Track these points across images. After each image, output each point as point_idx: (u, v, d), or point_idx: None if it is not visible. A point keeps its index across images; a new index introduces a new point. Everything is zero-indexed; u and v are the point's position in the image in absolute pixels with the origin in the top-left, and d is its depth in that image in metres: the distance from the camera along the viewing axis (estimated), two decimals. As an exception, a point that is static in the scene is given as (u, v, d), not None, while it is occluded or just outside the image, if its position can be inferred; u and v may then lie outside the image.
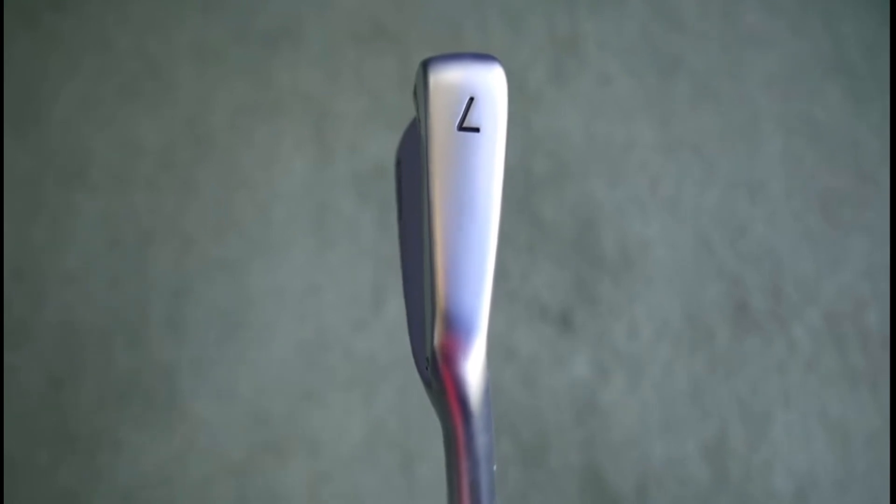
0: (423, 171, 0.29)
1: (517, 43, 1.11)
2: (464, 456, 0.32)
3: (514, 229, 0.97)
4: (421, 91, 0.29)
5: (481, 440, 0.31)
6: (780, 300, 0.94)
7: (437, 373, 0.28)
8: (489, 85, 0.29)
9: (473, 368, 0.29)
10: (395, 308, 0.92)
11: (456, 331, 0.28)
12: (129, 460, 0.85)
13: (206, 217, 0.98)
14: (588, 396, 0.89)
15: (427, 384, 0.30)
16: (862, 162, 1.03)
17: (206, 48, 1.09)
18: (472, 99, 0.29)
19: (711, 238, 0.98)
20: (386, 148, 1.01)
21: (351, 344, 0.91)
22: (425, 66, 0.29)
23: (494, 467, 0.34)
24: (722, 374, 0.90)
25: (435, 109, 0.29)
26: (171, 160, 1.01)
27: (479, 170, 0.29)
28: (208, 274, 0.94)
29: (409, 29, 1.10)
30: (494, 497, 0.34)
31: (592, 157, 1.02)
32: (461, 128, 0.29)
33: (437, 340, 0.28)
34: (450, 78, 0.29)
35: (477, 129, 0.29)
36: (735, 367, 0.91)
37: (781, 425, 0.88)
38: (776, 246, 0.98)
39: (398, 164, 0.34)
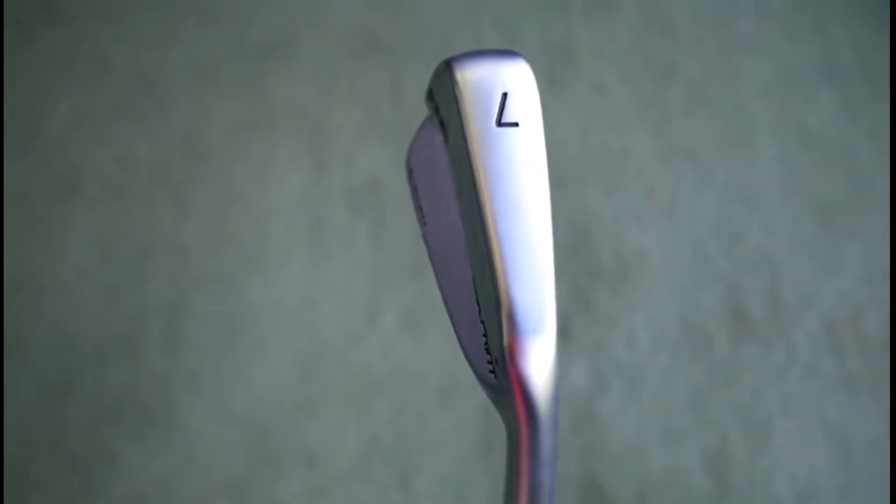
0: (463, 171, 0.29)
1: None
2: (528, 457, 0.31)
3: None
4: (448, 91, 0.29)
5: (548, 441, 0.31)
6: (778, 307, 0.94)
7: (508, 374, 0.28)
8: (521, 79, 0.29)
9: (545, 367, 0.28)
10: (391, 320, 0.92)
11: (527, 330, 0.28)
12: (125, 475, 0.85)
13: (202, 231, 0.98)
14: (586, 406, 0.88)
15: (491, 387, 0.30)
16: (857, 168, 1.03)
17: (201, 63, 1.09)
18: (505, 94, 0.29)
19: (708, 245, 0.97)
20: (380, 160, 1.01)
21: (347, 357, 0.90)
22: (450, 65, 0.29)
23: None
24: (721, 382, 0.90)
25: (470, 108, 0.29)
26: (166, 174, 1.01)
27: (524, 164, 0.29)
28: (204, 288, 0.94)
29: (403, 41, 1.10)
30: (553, 502, 0.34)
31: (588, 165, 1.02)
32: (500, 124, 0.28)
33: (507, 341, 0.28)
34: (480, 75, 0.29)
35: (516, 124, 0.29)
36: (734, 374, 0.90)
37: (782, 433, 0.87)
38: (773, 253, 0.97)
39: (410, 172, 0.34)
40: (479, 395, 0.88)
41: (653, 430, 0.88)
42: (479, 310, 0.30)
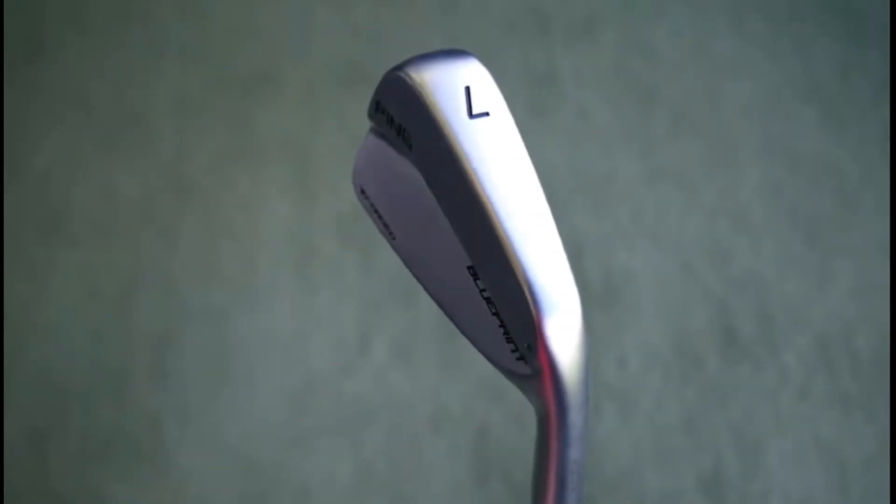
0: (448, 169, 0.29)
1: (494, 80, 1.12)
2: (559, 435, 0.32)
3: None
4: (409, 96, 0.29)
5: (581, 417, 0.31)
6: (769, 326, 0.94)
7: (540, 356, 0.28)
8: (477, 71, 0.30)
9: (577, 341, 0.29)
10: (382, 350, 0.92)
11: (553, 307, 0.28)
12: (115, 516, 0.84)
13: (189, 264, 0.97)
14: (579, 431, 0.88)
15: (522, 376, 0.30)
16: (843, 185, 1.04)
17: (186, 98, 1.09)
18: (467, 88, 0.29)
19: (696, 266, 0.98)
20: (367, 189, 1.01)
21: (338, 387, 0.90)
22: (404, 71, 0.29)
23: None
24: (714, 403, 0.90)
25: (440, 106, 0.29)
26: (152, 208, 1.01)
27: (507, 150, 0.29)
28: (192, 322, 0.93)
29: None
30: (584, 482, 0.34)
31: (574, 189, 1.02)
32: (472, 115, 0.29)
33: (536, 323, 0.28)
34: (439, 74, 0.29)
35: (487, 114, 0.29)
36: (726, 395, 0.90)
37: (776, 454, 0.87)
38: (762, 272, 0.97)
39: (362, 192, 0.34)
40: (473, 424, 0.87)
41: (646, 452, 0.87)
42: (491, 304, 0.30)
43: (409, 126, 0.30)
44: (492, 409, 0.89)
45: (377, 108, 0.31)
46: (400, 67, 0.30)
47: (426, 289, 0.34)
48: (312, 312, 0.94)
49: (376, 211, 0.34)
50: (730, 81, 1.12)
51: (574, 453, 0.33)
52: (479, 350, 0.32)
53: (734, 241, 1.00)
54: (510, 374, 0.31)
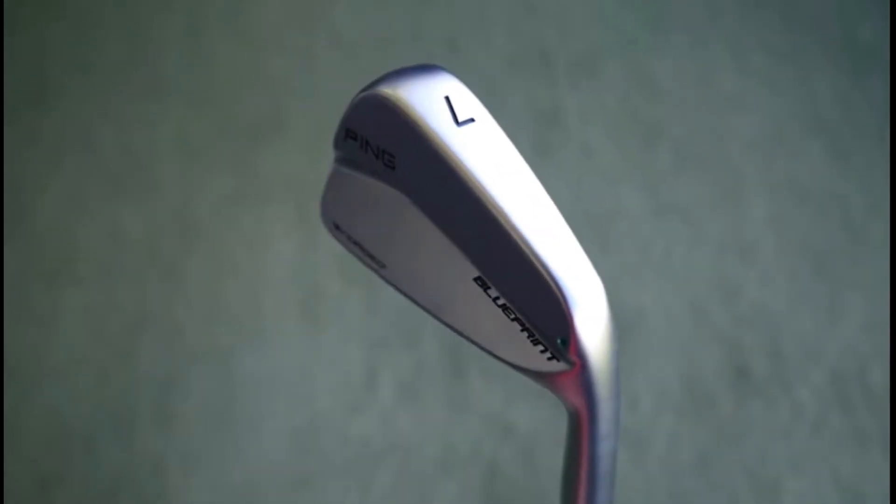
0: (447, 183, 0.28)
1: (499, 118, 1.12)
2: (591, 429, 0.32)
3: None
4: (391, 116, 0.29)
5: (612, 409, 0.32)
6: (781, 363, 0.92)
7: (575, 349, 0.29)
8: (451, 81, 0.29)
9: (609, 334, 0.29)
10: (389, 390, 0.90)
11: (583, 300, 0.28)
12: (118, 563, 0.82)
13: (194, 306, 0.97)
14: (591, 471, 0.86)
15: (555, 374, 0.30)
16: (851, 218, 1.03)
17: (191, 141, 1.10)
18: (447, 98, 0.29)
19: (706, 303, 0.97)
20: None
21: (345, 429, 0.88)
22: (379, 92, 0.29)
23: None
24: (727, 442, 0.88)
25: (428, 120, 0.28)
26: (157, 251, 1.01)
27: (501, 151, 0.29)
28: (196, 364, 0.92)
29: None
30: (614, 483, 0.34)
31: (580, 227, 1.01)
32: (460, 123, 0.28)
33: (569, 318, 0.28)
34: (416, 89, 0.29)
35: (472, 120, 0.29)
36: (740, 434, 0.88)
37: (793, 493, 0.85)
38: (772, 307, 0.96)
39: (336, 228, 0.34)
40: (482, 463, 0.86)
41: (660, 494, 0.85)
42: (508, 310, 0.30)
43: (391, 146, 0.29)
44: (501, 448, 0.87)
45: (347, 136, 0.31)
46: (370, 89, 0.29)
47: (429, 311, 0.33)
48: (318, 352, 0.94)
49: (356, 243, 0.33)
50: (733, 116, 1.12)
51: (607, 447, 0.33)
52: (504, 360, 0.31)
53: (743, 277, 0.99)
54: (541, 377, 0.31)
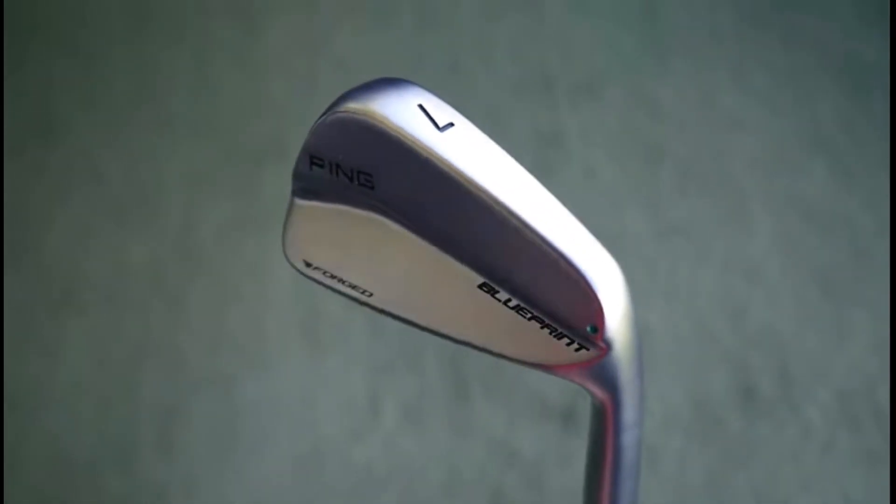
0: (444, 191, 0.27)
1: (501, 141, 1.12)
2: (617, 418, 0.32)
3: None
4: (367, 134, 0.27)
5: (639, 394, 0.32)
6: (789, 382, 0.91)
7: (605, 335, 0.29)
8: (418, 89, 0.29)
9: (632, 313, 0.29)
10: (392, 414, 0.90)
11: (609, 285, 0.28)
12: (120, 592, 0.81)
13: (197, 332, 0.96)
14: (598, 495, 0.85)
15: (584, 364, 0.30)
16: (856, 237, 1.02)
17: (195, 169, 1.10)
18: (420, 105, 0.28)
19: (712, 323, 0.96)
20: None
21: (348, 454, 0.88)
22: (350, 111, 0.28)
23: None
24: (736, 463, 0.87)
25: (409, 130, 0.27)
26: (160, 277, 1.01)
27: (490, 151, 0.28)
28: (199, 391, 0.92)
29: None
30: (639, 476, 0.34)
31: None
32: (441, 128, 0.28)
33: (600, 303, 0.28)
34: (388, 102, 0.28)
35: (452, 124, 0.28)
36: (749, 454, 0.87)
37: (804, 514, 0.84)
38: (779, 327, 0.96)
39: (308, 265, 0.32)
40: (487, 487, 0.85)
41: (669, 517, 0.84)
42: (523, 311, 0.29)
43: (368, 165, 0.28)
44: (506, 472, 0.86)
45: (312, 164, 0.29)
46: (335, 110, 0.28)
47: (430, 330, 0.32)
48: (321, 377, 0.93)
49: (334, 276, 0.32)
50: (735, 136, 1.12)
51: (633, 437, 0.33)
52: (525, 363, 0.31)
53: (749, 296, 0.98)
54: (567, 371, 0.30)
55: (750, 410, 0.90)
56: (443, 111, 0.28)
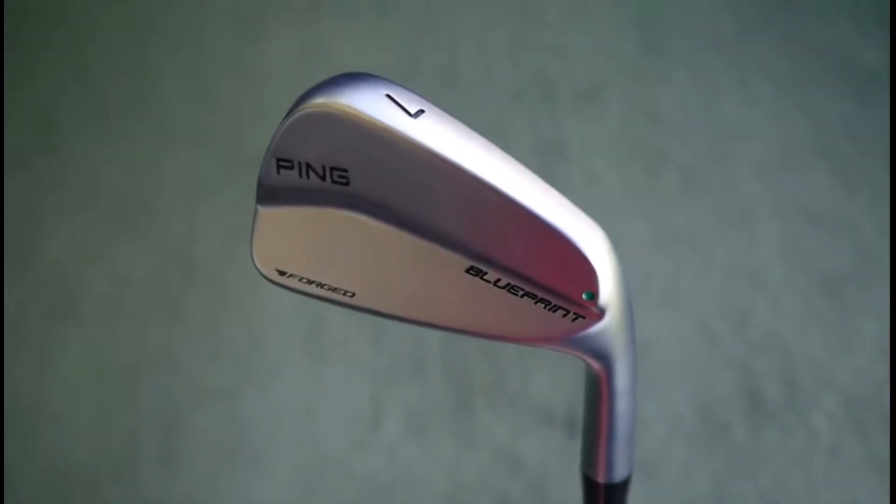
0: (426, 176, 0.27)
1: (504, 150, 1.12)
2: (612, 384, 0.33)
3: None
4: (339, 127, 0.27)
5: (633, 357, 0.32)
6: (795, 388, 0.91)
7: (602, 299, 0.29)
8: (382, 80, 0.28)
9: (621, 273, 0.30)
10: (394, 424, 0.89)
11: (600, 249, 0.29)
12: None
13: (197, 344, 0.96)
14: (603, 504, 0.84)
15: (581, 332, 0.30)
16: (860, 241, 1.02)
17: (194, 180, 1.10)
18: (388, 95, 0.27)
19: (716, 329, 0.95)
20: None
21: (350, 465, 0.87)
22: (314, 107, 0.27)
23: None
24: (742, 470, 0.86)
25: (381, 119, 0.27)
26: (160, 288, 1.00)
27: (465, 133, 0.28)
28: (199, 403, 0.91)
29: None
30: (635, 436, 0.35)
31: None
32: (414, 115, 0.27)
33: (595, 268, 0.29)
34: (354, 93, 0.27)
35: (423, 111, 0.27)
36: (755, 462, 0.86)
37: (812, 522, 0.83)
38: (783, 333, 0.95)
39: (282, 274, 0.31)
40: (491, 496, 0.84)
41: (675, 525, 0.83)
42: (515, 289, 0.29)
43: (342, 161, 0.27)
44: (509, 480, 0.85)
45: (279, 167, 0.28)
46: (301, 108, 0.27)
47: (419, 322, 0.31)
48: (322, 387, 0.92)
49: (311, 282, 0.31)
50: (738, 142, 1.12)
51: (628, 405, 0.34)
52: (523, 342, 0.31)
53: (753, 302, 0.97)
54: (565, 343, 0.30)
55: (756, 417, 0.89)
56: (411, 99, 0.27)
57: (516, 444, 0.87)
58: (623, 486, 0.39)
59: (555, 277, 0.29)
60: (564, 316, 0.29)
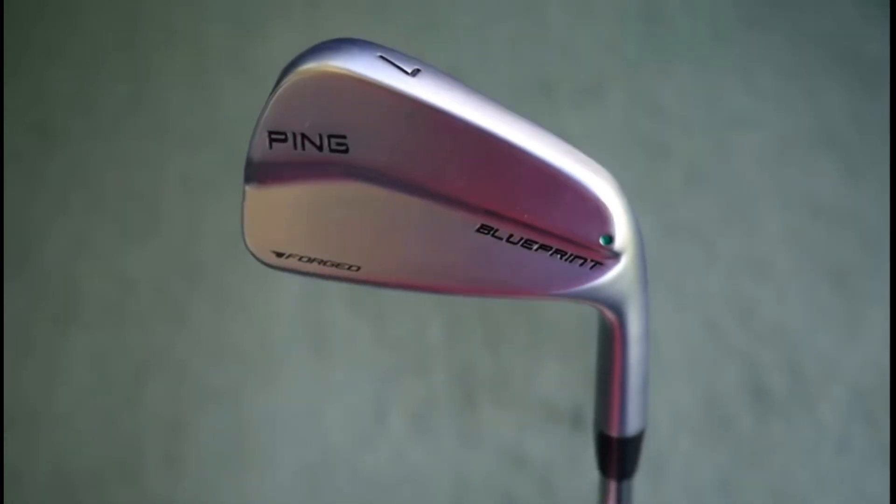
0: (436, 134, 0.26)
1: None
2: (628, 331, 0.33)
3: (514, 329, 0.94)
4: (342, 91, 0.26)
5: (647, 300, 0.32)
6: (801, 379, 0.90)
7: (620, 240, 0.29)
8: (374, 44, 0.27)
9: (636, 220, 0.30)
10: (400, 422, 0.89)
11: (615, 191, 0.29)
12: None
13: (201, 345, 0.95)
14: (609, 499, 0.83)
15: (599, 279, 0.29)
16: (866, 231, 1.01)
17: (194, 179, 1.09)
18: (382, 57, 0.26)
19: (720, 321, 0.95)
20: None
21: (355, 463, 0.87)
22: (309, 71, 0.25)
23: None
24: (749, 463, 0.85)
25: (381, 79, 0.26)
26: (162, 289, 1.00)
27: (464, 89, 0.27)
28: (204, 404, 0.91)
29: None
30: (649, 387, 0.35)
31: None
32: (412, 74, 0.26)
33: (612, 210, 0.28)
34: (348, 56, 0.26)
35: (419, 70, 0.27)
36: (762, 454, 0.86)
37: (820, 514, 0.82)
38: (789, 323, 0.94)
39: (279, 255, 0.30)
40: (496, 494, 0.84)
41: (683, 520, 0.83)
42: (530, 243, 0.28)
43: (340, 126, 0.26)
44: (515, 478, 0.85)
45: (272, 141, 0.27)
46: (291, 74, 0.26)
47: (430, 290, 0.30)
48: (327, 387, 0.92)
49: (312, 259, 0.29)
50: (741, 134, 1.11)
51: (643, 351, 0.34)
52: (542, 296, 0.30)
53: (758, 294, 0.97)
54: (584, 293, 0.30)
55: (761, 410, 0.88)
56: (405, 60, 0.27)
57: (521, 442, 0.87)
58: (636, 441, 0.38)
59: (570, 225, 0.28)
60: (582, 265, 0.29)
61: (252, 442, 0.88)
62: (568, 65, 1.20)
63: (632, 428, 0.37)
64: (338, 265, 0.29)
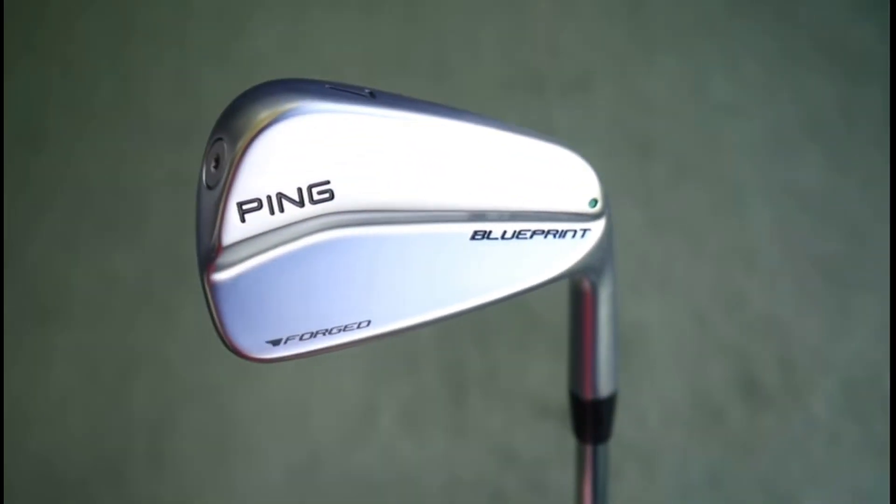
0: (414, 147, 0.26)
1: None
2: (601, 292, 0.34)
3: (504, 324, 0.93)
4: (297, 149, 0.23)
5: (613, 251, 0.33)
6: (791, 372, 0.90)
7: (602, 202, 0.30)
8: (312, 80, 0.25)
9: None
10: (389, 420, 0.88)
11: (581, 158, 0.30)
12: None
13: (186, 342, 0.94)
14: (600, 494, 0.83)
15: (584, 247, 0.30)
16: (854, 222, 1.01)
17: (181, 176, 1.08)
18: (330, 86, 0.25)
19: (710, 314, 0.94)
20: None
21: (344, 462, 0.86)
22: (279, 122, 0.23)
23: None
24: (740, 456, 0.85)
25: (354, 111, 0.24)
26: (147, 287, 0.99)
27: (425, 102, 0.27)
28: (190, 402, 0.90)
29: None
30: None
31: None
32: (373, 96, 0.25)
33: (594, 175, 0.30)
34: (304, 96, 0.24)
35: (370, 91, 0.26)
36: (753, 447, 0.86)
37: (812, 507, 0.82)
38: (779, 315, 0.94)
39: (276, 343, 0.26)
40: (487, 490, 0.83)
41: (674, 513, 0.82)
42: (523, 233, 0.28)
43: (322, 170, 0.23)
44: (505, 474, 0.84)
45: (244, 213, 0.23)
46: (251, 127, 0.23)
47: (437, 320, 0.28)
48: (314, 384, 0.91)
49: (317, 333, 0.26)
50: (729, 125, 1.11)
51: (613, 307, 0.35)
52: (545, 281, 0.30)
53: (747, 286, 0.96)
54: (581, 262, 0.30)
55: (751, 402, 0.88)
56: (351, 87, 0.25)
57: (511, 438, 0.87)
58: (610, 403, 0.40)
59: (559, 199, 0.29)
60: (574, 236, 0.30)
61: (240, 440, 0.88)
62: (555, 58, 1.19)
63: (605, 390, 0.39)
64: (345, 328, 0.26)
